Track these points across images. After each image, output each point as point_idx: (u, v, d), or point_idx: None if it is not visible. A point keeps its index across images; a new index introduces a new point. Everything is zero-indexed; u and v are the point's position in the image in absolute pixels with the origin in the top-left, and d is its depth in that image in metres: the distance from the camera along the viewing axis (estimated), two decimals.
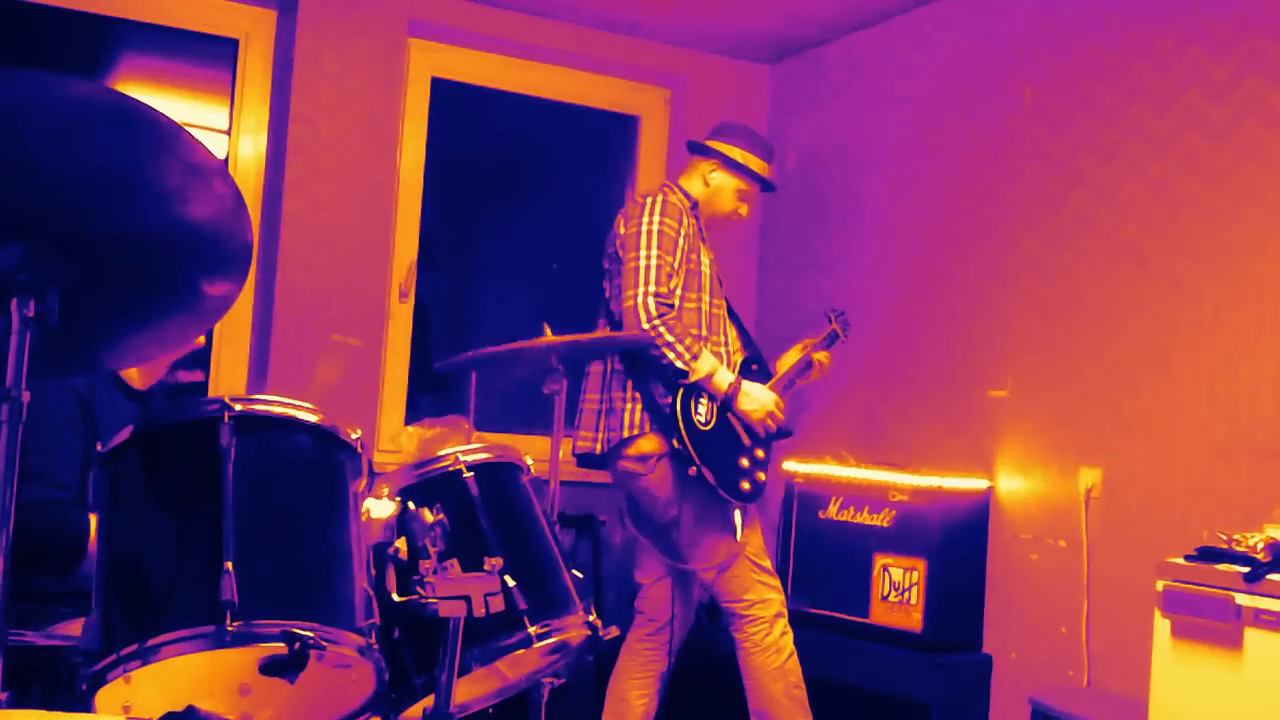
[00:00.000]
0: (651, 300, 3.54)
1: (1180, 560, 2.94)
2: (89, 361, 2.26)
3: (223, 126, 4.56)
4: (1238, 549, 2.87)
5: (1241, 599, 2.76)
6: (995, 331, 4.09)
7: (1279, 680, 2.70)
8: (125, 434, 2.03)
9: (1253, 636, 2.75)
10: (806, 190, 4.82)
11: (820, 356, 3.91)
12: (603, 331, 3.60)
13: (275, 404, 2.09)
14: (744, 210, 3.94)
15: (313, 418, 2.11)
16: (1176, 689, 2.89)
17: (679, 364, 3.53)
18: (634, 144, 5.23)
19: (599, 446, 3.69)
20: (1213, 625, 2.81)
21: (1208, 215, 3.47)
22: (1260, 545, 2.84)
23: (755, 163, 3.88)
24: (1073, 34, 3.92)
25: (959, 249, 4.27)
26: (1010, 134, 4.11)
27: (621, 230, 3.70)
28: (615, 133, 5.26)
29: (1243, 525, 3.00)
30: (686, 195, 3.82)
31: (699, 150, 3.92)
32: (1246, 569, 2.78)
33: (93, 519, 2.44)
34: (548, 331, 3.00)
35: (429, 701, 2.23)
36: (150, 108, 1.80)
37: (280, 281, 4.34)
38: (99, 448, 2.04)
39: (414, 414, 4.72)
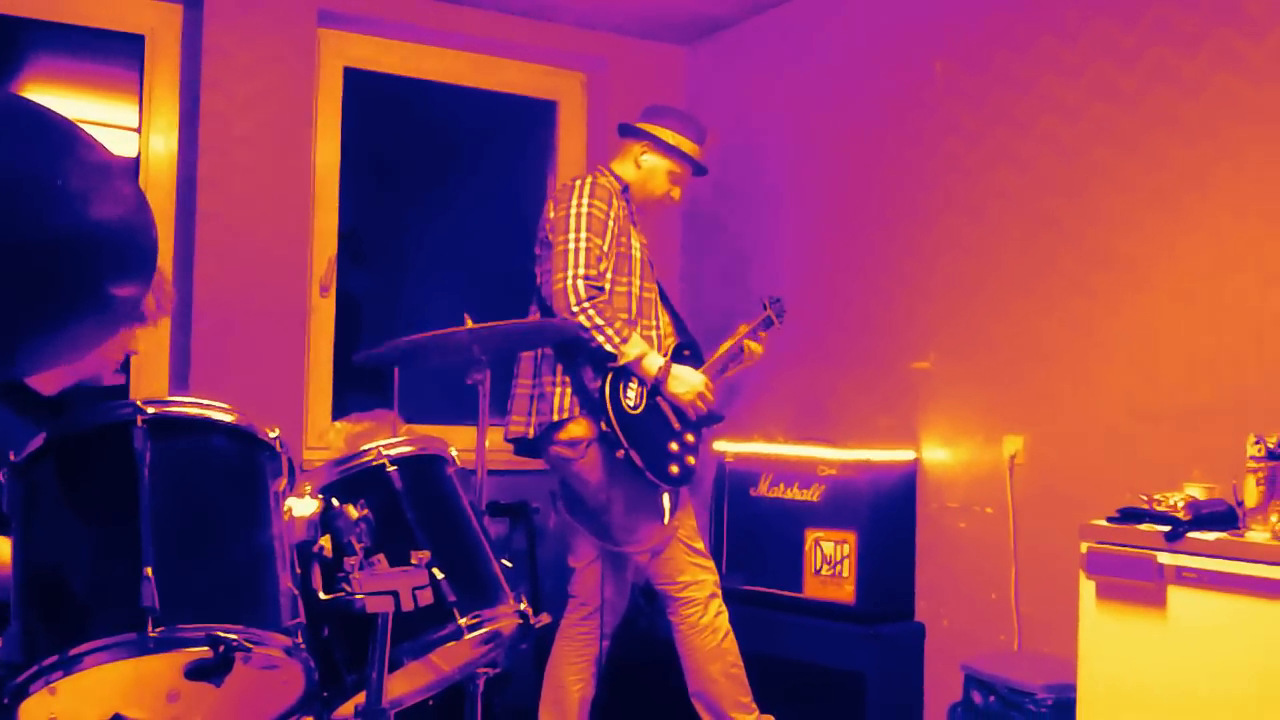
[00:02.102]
0: (580, 283, 3.53)
1: (1103, 522, 2.99)
2: None
3: (133, 124, 4.48)
4: (1158, 509, 2.92)
5: (1163, 558, 2.81)
6: (917, 304, 4.13)
7: (1202, 636, 2.75)
8: (38, 441, 2.00)
9: (1175, 594, 2.80)
10: (726, 170, 4.83)
11: (753, 344, 3.92)
12: (529, 319, 3.61)
13: (190, 405, 2.06)
14: (676, 193, 3.94)
15: (229, 418, 2.08)
16: (1104, 648, 2.94)
17: (608, 347, 3.53)
18: (553, 129, 5.21)
19: (531, 431, 3.68)
20: (1136, 585, 2.86)
21: (1120, 182, 3.52)
22: (1180, 504, 2.88)
23: (687, 145, 3.87)
24: (981, 6, 3.96)
25: (878, 224, 4.30)
26: (924, 108, 4.14)
27: (551, 214, 3.69)
28: (534, 118, 5.24)
29: (1163, 486, 3.04)
30: (618, 178, 3.81)
31: (630, 132, 3.90)
32: (1167, 528, 2.83)
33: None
34: (468, 321, 2.99)
35: (362, 698, 2.21)
36: (45, 108, 1.76)
37: (198, 279, 4.28)
38: (11, 457, 2.00)
39: (345, 410, 4.69)
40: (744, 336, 3.90)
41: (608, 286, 3.61)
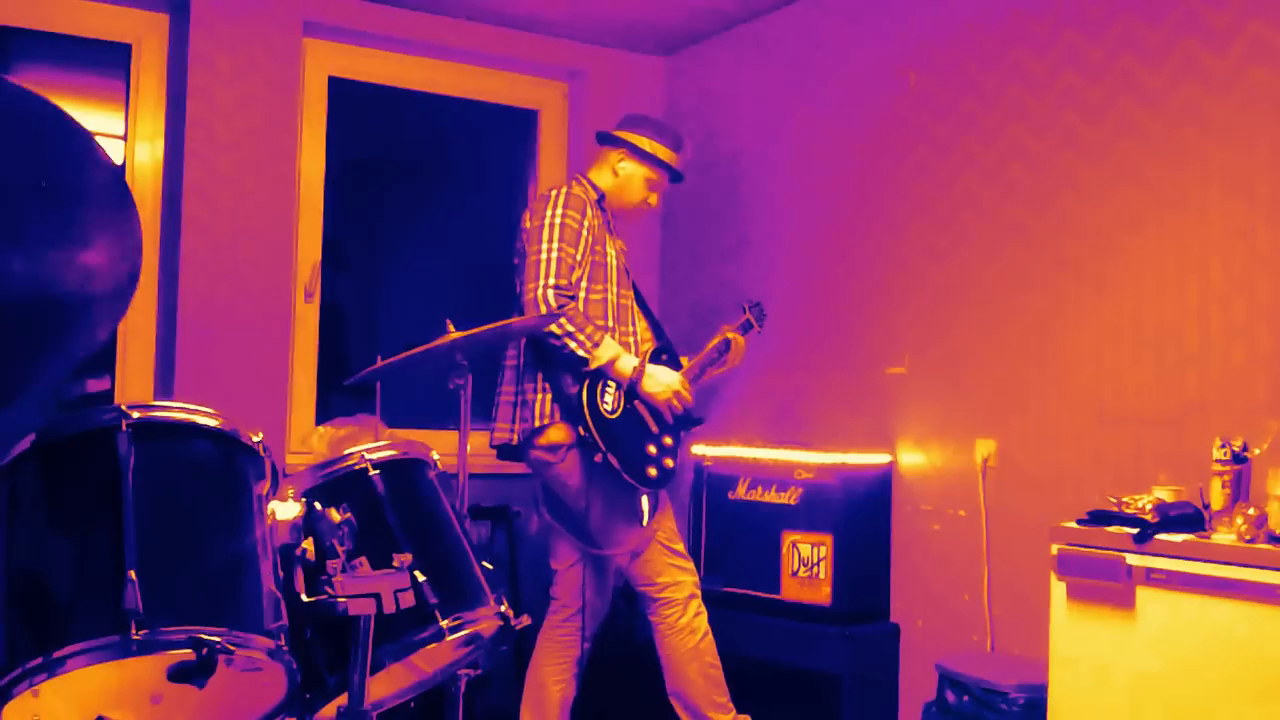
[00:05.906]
0: (550, 293, 3.58)
1: (1072, 524, 3.01)
2: None
3: (119, 133, 4.51)
4: (1127, 511, 2.94)
5: (1132, 559, 2.84)
6: (891, 311, 4.18)
7: (1170, 636, 2.78)
8: (24, 445, 2.03)
9: (1144, 595, 2.82)
10: (704, 180, 4.88)
11: (735, 341, 3.96)
12: (501, 322, 3.65)
13: (174, 410, 2.09)
14: (653, 200, 3.98)
15: (212, 422, 2.12)
16: (1074, 649, 2.96)
17: (580, 352, 3.58)
18: (534, 138, 5.25)
19: (514, 437, 3.72)
20: (1105, 586, 2.88)
21: (1087, 191, 3.58)
22: (1148, 506, 2.90)
23: (663, 152, 3.92)
24: (954, 18, 4.01)
25: (853, 233, 4.35)
26: (897, 119, 4.19)
27: (528, 224, 3.74)
28: (516, 127, 5.28)
29: (1132, 488, 3.08)
30: (594, 187, 3.86)
31: (607, 140, 3.95)
32: (1136, 530, 2.85)
33: None
34: (451, 328, 3.03)
35: (344, 700, 2.25)
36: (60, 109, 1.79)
37: (183, 286, 4.31)
38: None
39: (328, 414, 4.71)
40: (724, 339, 3.95)
41: (582, 294, 3.66)
